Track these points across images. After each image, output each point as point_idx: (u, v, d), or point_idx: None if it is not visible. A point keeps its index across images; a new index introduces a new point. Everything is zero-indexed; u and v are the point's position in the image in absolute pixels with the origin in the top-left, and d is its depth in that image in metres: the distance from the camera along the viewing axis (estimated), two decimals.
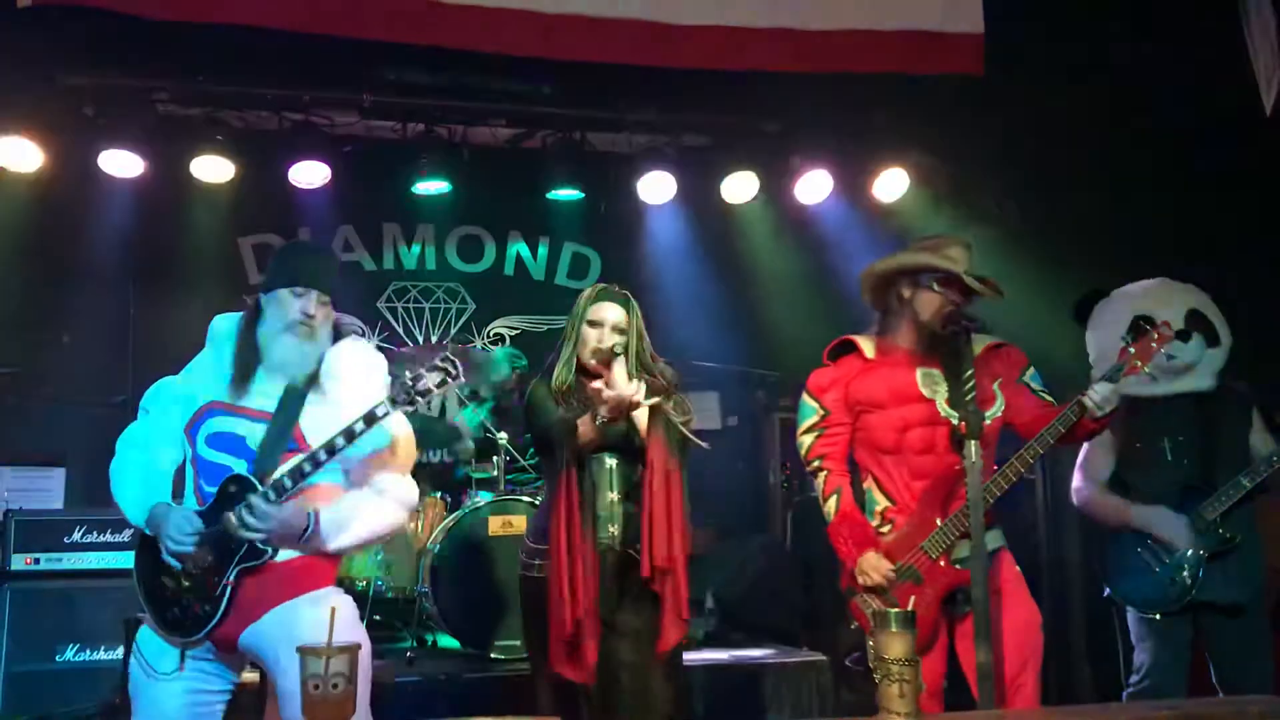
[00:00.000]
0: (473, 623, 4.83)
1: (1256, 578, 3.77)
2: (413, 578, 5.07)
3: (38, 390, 5.91)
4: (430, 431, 5.75)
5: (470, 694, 4.50)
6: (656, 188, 6.57)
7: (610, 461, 3.40)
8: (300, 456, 2.88)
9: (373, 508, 3.02)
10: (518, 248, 7.29)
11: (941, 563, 3.32)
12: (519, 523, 4.78)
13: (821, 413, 3.53)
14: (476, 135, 6.63)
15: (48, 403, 5.85)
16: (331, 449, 2.84)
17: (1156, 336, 3.22)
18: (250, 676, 3.27)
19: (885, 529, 3.43)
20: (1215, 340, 3.90)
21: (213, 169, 6.09)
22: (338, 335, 3.12)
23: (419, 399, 2.79)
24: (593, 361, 3.40)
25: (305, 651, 2.08)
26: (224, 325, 3.13)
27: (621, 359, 3.34)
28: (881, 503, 3.47)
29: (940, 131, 6.44)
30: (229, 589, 2.87)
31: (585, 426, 3.27)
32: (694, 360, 6.27)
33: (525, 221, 7.23)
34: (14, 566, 4.62)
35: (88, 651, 4.51)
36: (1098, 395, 3.19)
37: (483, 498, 5.17)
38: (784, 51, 4.79)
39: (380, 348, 6.81)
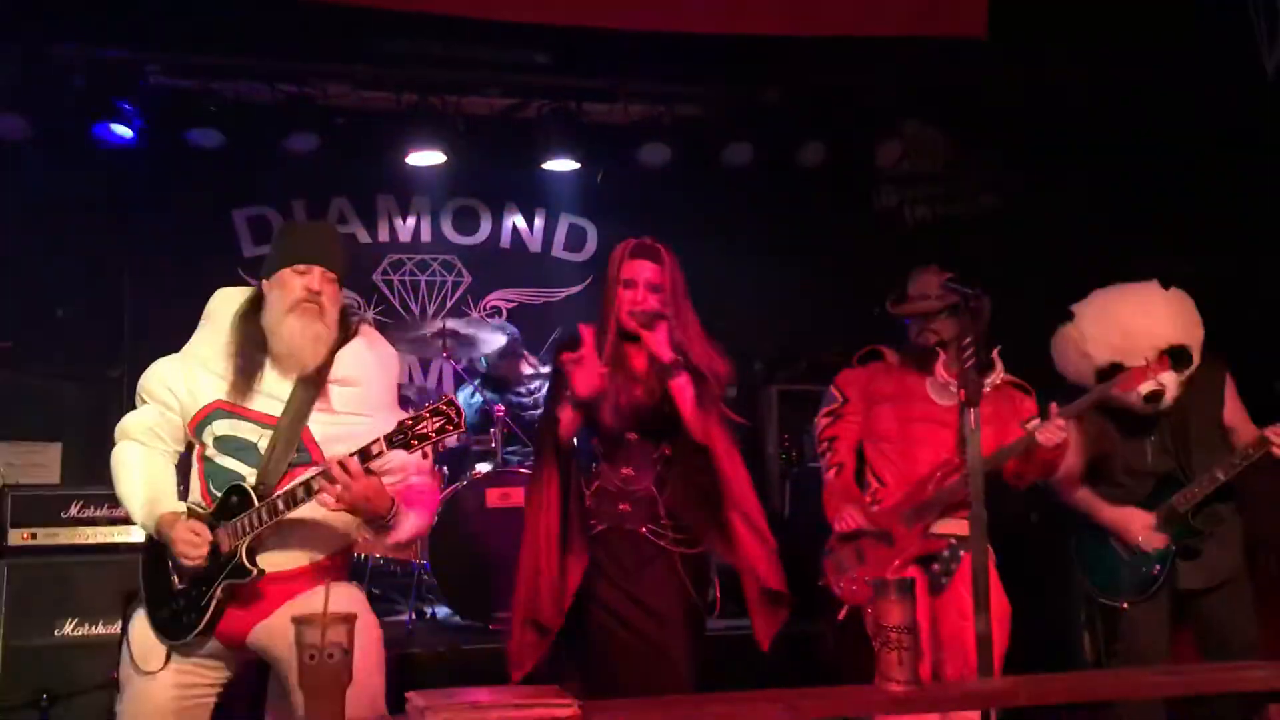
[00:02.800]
0: (472, 595, 4.83)
1: (1234, 557, 3.79)
2: (412, 550, 5.06)
3: (32, 365, 5.88)
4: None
5: (470, 665, 4.50)
6: (653, 157, 6.53)
7: (630, 437, 3.30)
8: (296, 482, 2.77)
9: (420, 518, 2.99)
10: (514, 219, 7.24)
11: (917, 532, 3.64)
12: (517, 494, 4.77)
13: (841, 400, 3.90)
14: (471, 105, 6.58)
15: (43, 378, 5.82)
16: (292, 500, 2.74)
17: (1152, 369, 3.56)
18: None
19: (874, 507, 3.75)
20: (1189, 361, 3.78)
21: (205, 141, 6.05)
22: (346, 325, 2.99)
23: (416, 442, 2.66)
24: (633, 325, 3.22)
25: (300, 621, 2.07)
26: (224, 305, 2.99)
27: (665, 323, 3.19)
28: (875, 484, 3.81)
29: (939, 100, 6.39)
30: (214, 602, 2.81)
31: (565, 415, 3.20)
32: None
33: (521, 192, 7.19)
34: (11, 542, 4.60)
35: (86, 626, 4.49)
36: (1052, 434, 3.47)
37: (480, 470, 5.16)
38: (783, 16, 4.74)
39: (378, 321, 6.79)
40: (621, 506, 3.28)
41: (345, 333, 2.98)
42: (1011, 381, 3.73)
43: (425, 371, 7.00)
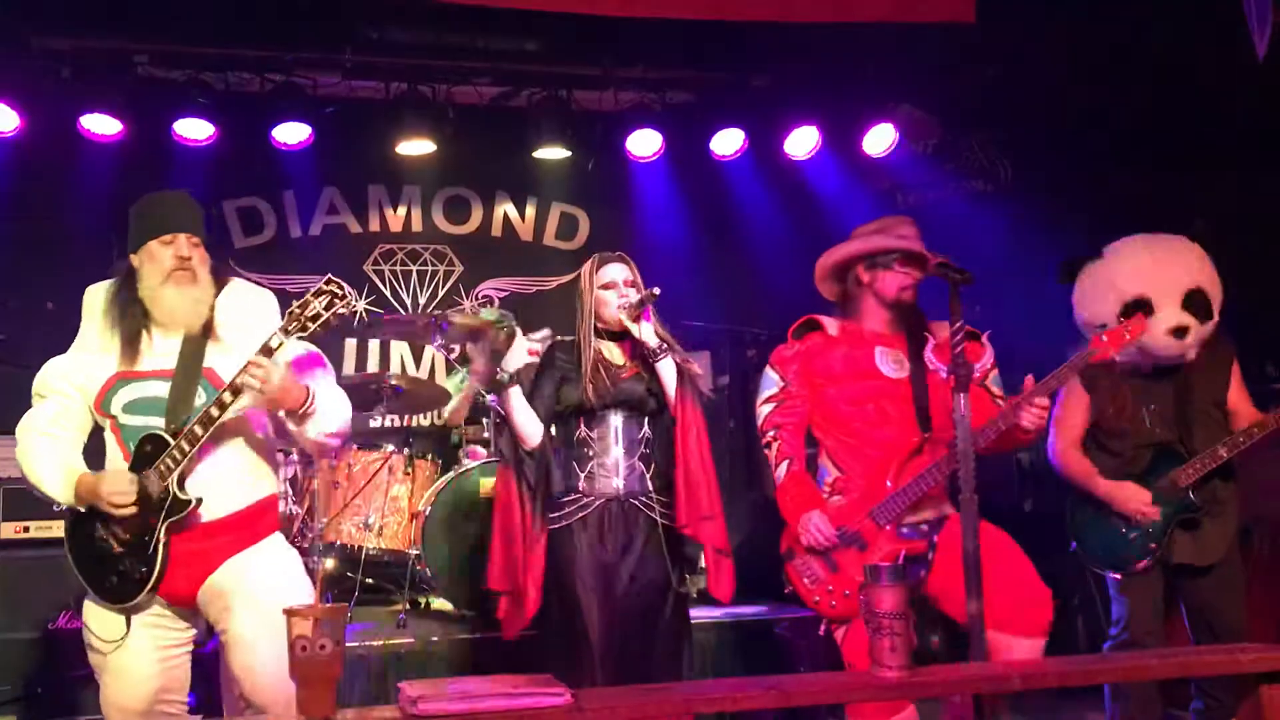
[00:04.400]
0: (465, 585, 4.83)
1: (1230, 538, 3.78)
2: (405, 540, 5.06)
3: (23, 358, 5.85)
4: (419, 394, 5.72)
5: (462, 656, 4.51)
6: (644, 145, 6.53)
7: (616, 418, 3.55)
8: (206, 402, 2.89)
9: (340, 399, 3.12)
10: (505, 208, 7.22)
11: (889, 530, 3.39)
12: None
13: (781, 384, 3.64)
14: (461, 94, 6.55)
15: (33, 369, 5.79)
16: (236, 389, 2.86)
17: (1131, 329, 3.30)
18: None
19: (835, 499, 3.51)
20: (1209, 314, 3.80)
21: (194, 131, 6.04)
22: (220, 279, 3.10)
23: (310, 324, 2.84)
24: (621, 318, 3.51)
25: (292, 613, 2.07)
26: (98, 295, 3.11)
27: (652, 308, 3.49)
28: (832, 473, 3.57)
29: (930, 85, 6.38)
30: (160, 545, 2.89)
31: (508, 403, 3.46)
32: (684, 320, 6.25)
33: (512, 181, 7.17)
34: (4, 535, 4.60)
35: (79, 619, 4.49)
36: (1032, 419, 3.26)
37: (474, 458, 5.15)
38: (773, 2, 4.72)
39: (369, 311, 6.78)
40: (614, 482, 3.51)
41: (220, 283, 3.10)
42: (969, 331, 3.41)
43: (418, 362, 6.99)
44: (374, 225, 7.02)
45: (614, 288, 3.57)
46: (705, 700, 2.35)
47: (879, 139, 6.56)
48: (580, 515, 3.50)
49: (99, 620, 2.97)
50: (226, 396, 2.86)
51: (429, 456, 5.34)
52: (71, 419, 3.05)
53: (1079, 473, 3.89)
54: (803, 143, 6.59)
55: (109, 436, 3.01)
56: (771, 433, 3.61)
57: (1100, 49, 5.61)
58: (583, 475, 3.52)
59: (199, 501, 2.90)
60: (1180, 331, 3.72)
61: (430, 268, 7.04)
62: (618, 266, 3.61)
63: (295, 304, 2.86)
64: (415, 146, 6.44)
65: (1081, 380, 3.84)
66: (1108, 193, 5.81)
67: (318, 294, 2.85)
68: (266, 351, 2.85)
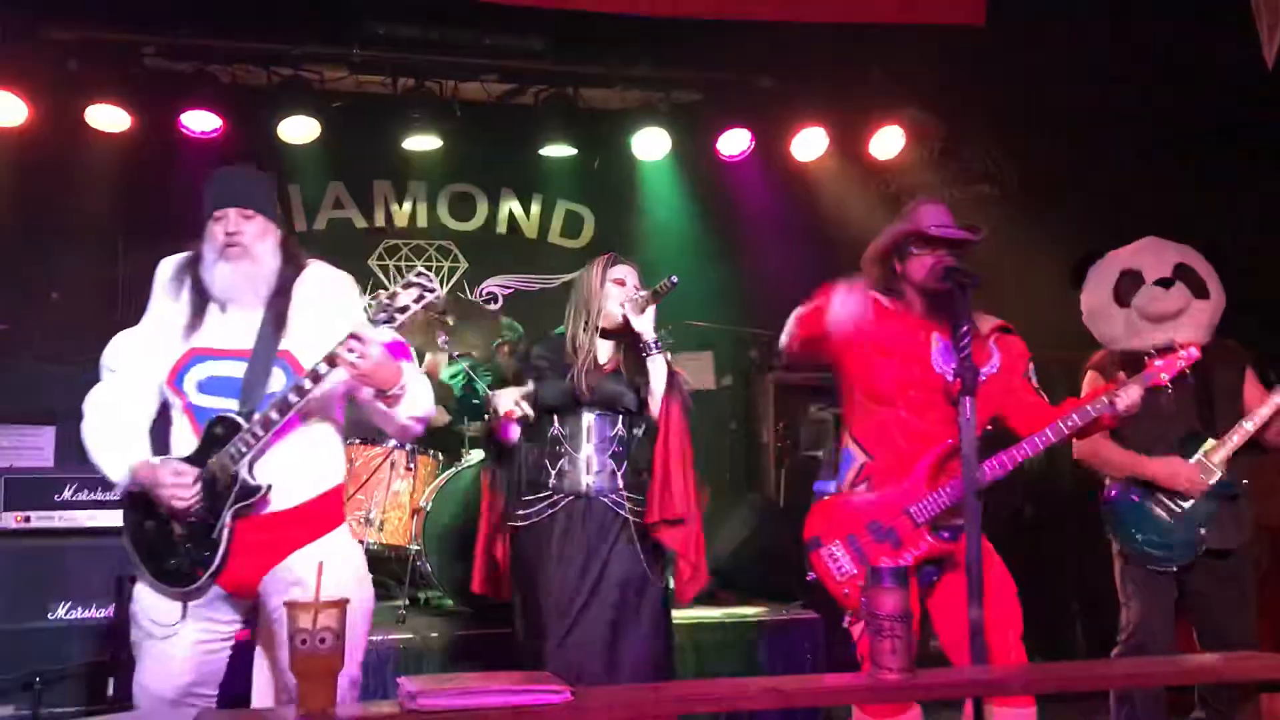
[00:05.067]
0: (465, 581, 4.82)
1: (1246, 529, 3.80)
2: (406, 535, 5.06)
3: (27, 348, 5.87)
4: None
5: (462, 651, 4.51)
6: (650, 144, 6.53)
7: (589, 415, 3.58)
8: (284, 388, 2.84)
9: (426, 384, 3.08)
10: (510, 205, 7.23)
11: (925, 531, 3.28)
12: None
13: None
14: (468, 91, 6.56)
15: (37, 361, 5.81)
16: (316, 376, 2.81)
17: (1184, 356, 3.35)
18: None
19: (861, 486, 3.38)
20: (1204, 292, 3.89)
21: (201, 124, 6.03)
22: (293, 255, 3.04)
23: (399, 316, 2.80)
24: (625, 309, 3.57)
25: (293, 606, 2.07)
26: (169, 269, 3.07)
27: (654, 307, 3.55)
28: (859, 458, 3.40)
29: (938, 87, 6.38)
30: (226, 531, 2.83)
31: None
32: (688, 320, 6.25)
33: (518, 179, 7.17)
34: (4, 525, 4.60)
35: (79, 609, 4.50)
36: (1128, 398, 3.26)
37: (475, 455, 5.15)
38: (781, 2, 4.72)
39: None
40: (584, 479, 3.55)
41: (295, 263, 3.04)
42: (998, 325, 3.45)
43: (420, 359, 6.98)
44: (379, 221, 7.02)
45: (623, 285, 3.64)
46: (704, 700, 2.35)
47: (886, 141, 6.55)
48: (550, 513, 3.53)
49: (153, 603, 2.90)
50: (322, 367, 2.80)
51: (431, 452, 5.34)
52: (139, 394, 2.97)
53: (1119, 461, 3.87)
54: (809, 144, 6.58)
55: (179, 416, 2.94)
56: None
57: (1107, 53, 5.60)
58: (554, 472, 3.55)
59: (269, 488, 2.84)
60: (1166, 282, 3.83)
61: (435, 264, 7.04)
62: (629, 268, 3.68)
63: (384, 294, 2.82)
64: (421, 142, 6.44)
65: (1100, 373, 3.89)
66: (1114, 198, 5.81)
67: (407, 286, 2.80)
68: (356, 334, 2.81)
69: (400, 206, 7.05)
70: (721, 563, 5.56)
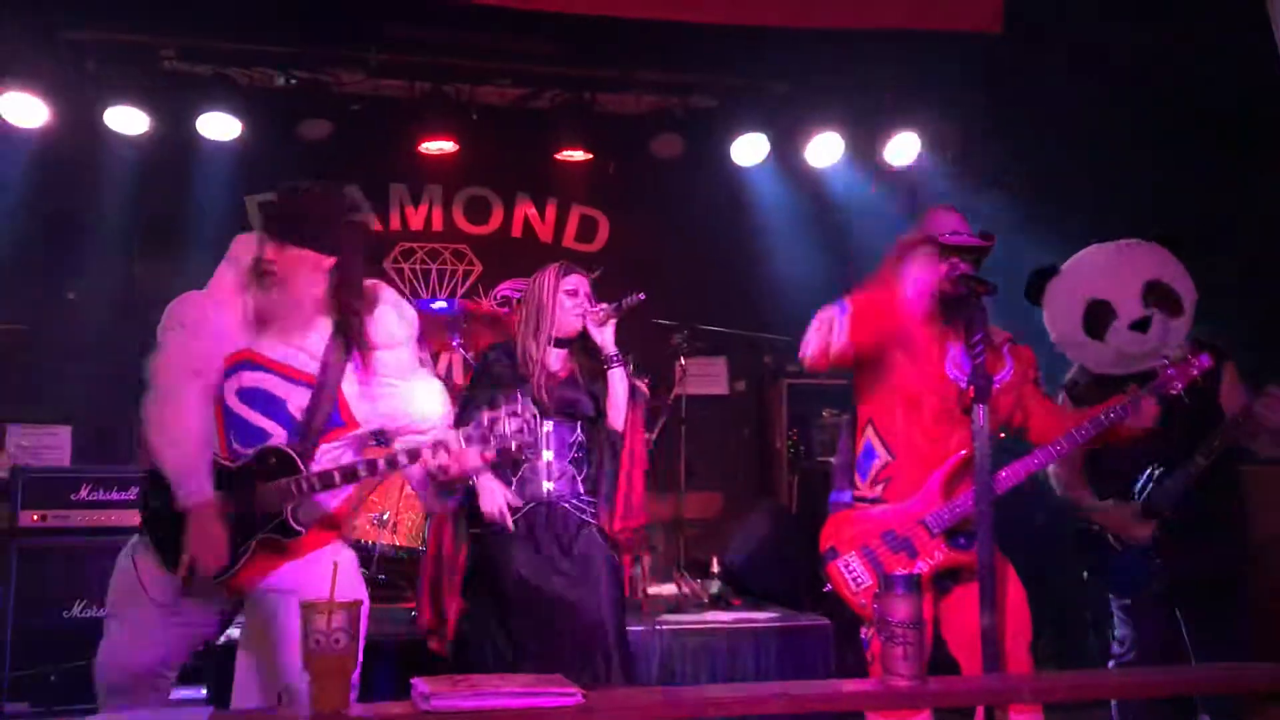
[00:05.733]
0: None
1: (1231, 551, 3.72)
2: (418, 537, 5.08)
3: (44, 348, 5.91)
4: None
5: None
6: (665, 149, 6.54)
7: (548, 424, 3.66)
8: (357, 458, 2.92)
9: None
10: (525, 209, 7.24)
11: (941, 541, 3.30)
12: None
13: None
14: (484, 95, 6.59)
15: (55, 361, 5.85)
16: (394, 463, 2.86)
17: (1197, 365, 3.31)
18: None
19: (879, 486, 3.39)
20: (1178, 309, 3.77)
21: (219, 127, 6.07)
22: (348, 283, 2.92)
23: (494, 441, 2.78)
24: (587, 323, 3.68)
25: (308, 607, 2.08)
26: (244, 251, 2.90)
27: (614, 321, 3.67)
28: (881, 456, 3.40)
29: (953, 95, 6.38)
30: (249, 552, 2.83)
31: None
32: (701, 325, 6.26)
33: (533, 182, 7.18)
34: (22, 523, 4.63)
35: (94, 608, 4.52)
36: (1143, 408, 3.29)
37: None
38: (795, 7, 4.72)
39: None
40: (545, 485, 3.65)
41: (360, 298, 2.94)
42: (1008, 337, 3.49)
43: (435, 360, 7.01)
44: (395, 223, 7.05)
45: (575, 295, 3.72)
46: (715, 704, 2.35)
47: (901, 148, 6.55)
48: (512, 519, 3.59)
49: (153, 577, 2.85)
50: (403, 459, 2.83)
51: None
52: (208, 363, 2.82)
53: (1072, 491, 3.87)
54: (824, 150, 6.59)
55: (212, 410, 2.86)
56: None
57: (1123, 59, 5.59)
58: (514, 480, 3.62)
59: (301, 533, 2.84)
60: (1142, 324, 3.72)
61: (450, 266, 7.06)
62: (580, 277, 3.78)
63: (488, 417, 2.78)
64: (437, 146, 6.47)
65: (1070, 396, 3.84)
66: (1129, 204, 5.80)
67: (511, 415, 2.77)
68: (437, 448, 2.80)
69: (416, 209, 7.07)
70: (734, 568, 5.57)
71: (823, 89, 6.51)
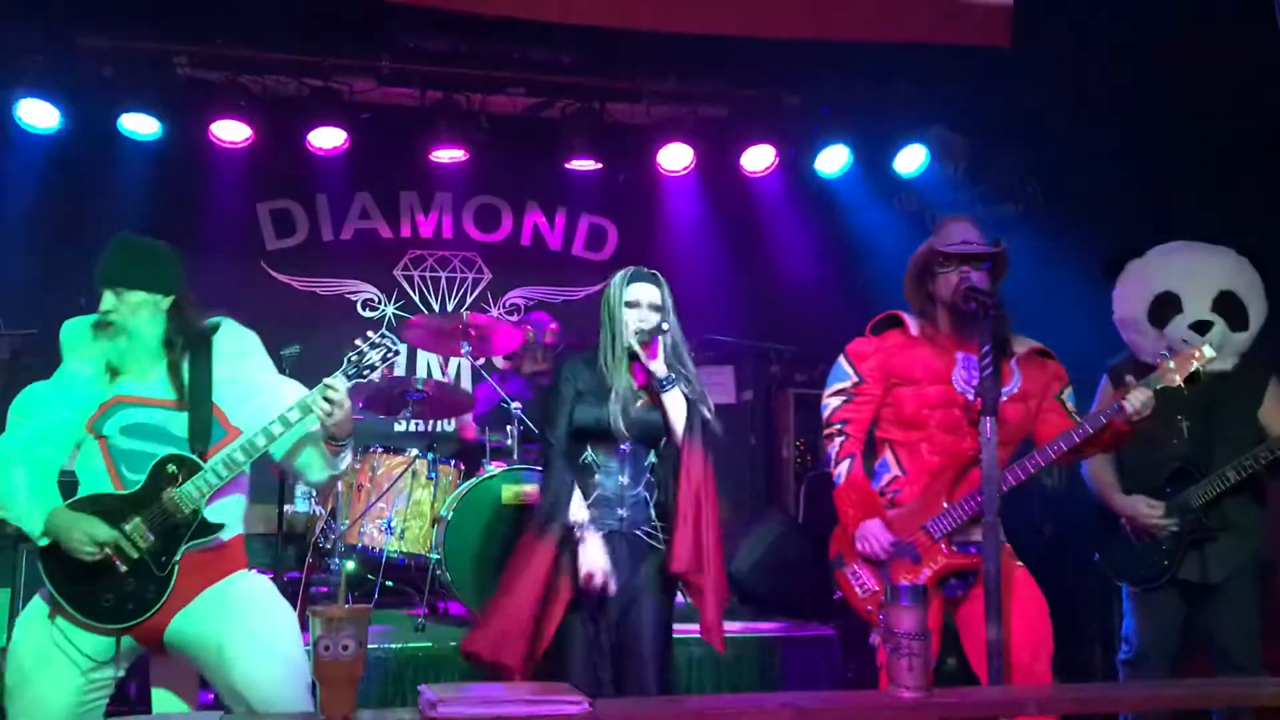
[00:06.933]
0: (484, 590, 4.84)
1: (1243, 560, 3.76)
2: (425, 544, 5.09)
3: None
4: (444, 400, 5.75)
5: (479, 661, 4.51)
6: (675, 159, 6.55)
7: (626, 445, 3.46)
8: (251, 432, 2.95)
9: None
10: (535, 218, 7.27)
11: (942, 545, 3.35)
12: (531, 492, 4.79)
13: (855, 379, 3.55)
14: (495, 104, 6.60)
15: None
16: (287, 422, 2.96)
17: (1197, 355, 3.29)
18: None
19: (886, 499, 3.49)
20: (1243, 324, 3.81)
21: (231, 133, 6.10)
22: (185, 318, 3.07)
23: (366, 372, 3.05)
24: (633, 343, 3.43)
25: (318, 614, 2.09)
26: (75, 330, 3.10)
27: (661, 339, 3.43)
28: (894, 471, 3.51)
29: (962, 106, 6.38)
30: (176, 568, 2.90)
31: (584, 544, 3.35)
32: (709, 334, 6.27)
33: (543, 191, 7.21)
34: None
35: None
36: (1137, 401, 3.26)
37: (496, 465, 5.17)
38: (807, 20, 4.73)
39: (396, 316, 6.84)
40: (620, 511, 3.44)
41: (196, 327, 3.09)
42: (1035, 349, 3.51)
43: (444, 367, 7.04)
44: (405, 231, 7.08)
45: (637, 307, 3.45)
46: (721, 714, 2.35)
47: (910, 159, 6.56)
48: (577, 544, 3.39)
49: (82, 637, 2.86)
50: (294, 414, 2.93)
51: (452, 462, 5.37)
52: (51, 436, 2.98)
53: (1100, 484, 3.92)
54: (834, 161, 6.60)
55: (94, 454, 2.96)
56: (838, 425, 3.52)
57: (1135, 70, 5.59)
58: (586, 504, 3.41)
59: (223, 527, 2.95)
60: (1203, 326, 3.74)
61: (459, 274, 7.09)
62: (645, 286, 3.48)
63: (352, 353, 3.03)
64: (448, 154, 6.49)
65: (1114, 385, 3.87)
66: (1138, 216, 5.79)
67: (373, 345, 3.03)
68: (327, 386, 2.94)
69: (426, 217, 7.11)
70: (740, 577, 5.56)
71: (832, 100, 6.52)
